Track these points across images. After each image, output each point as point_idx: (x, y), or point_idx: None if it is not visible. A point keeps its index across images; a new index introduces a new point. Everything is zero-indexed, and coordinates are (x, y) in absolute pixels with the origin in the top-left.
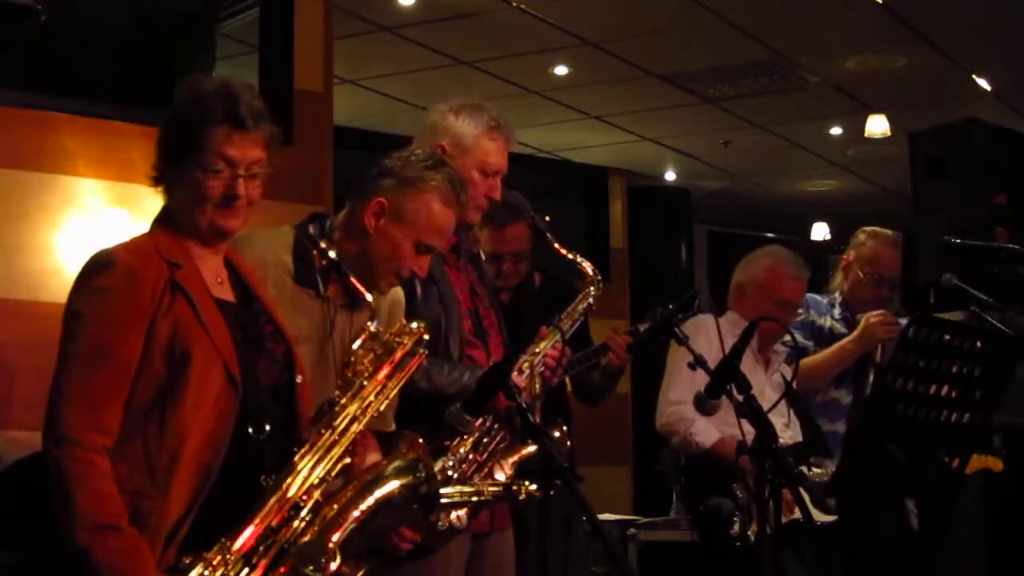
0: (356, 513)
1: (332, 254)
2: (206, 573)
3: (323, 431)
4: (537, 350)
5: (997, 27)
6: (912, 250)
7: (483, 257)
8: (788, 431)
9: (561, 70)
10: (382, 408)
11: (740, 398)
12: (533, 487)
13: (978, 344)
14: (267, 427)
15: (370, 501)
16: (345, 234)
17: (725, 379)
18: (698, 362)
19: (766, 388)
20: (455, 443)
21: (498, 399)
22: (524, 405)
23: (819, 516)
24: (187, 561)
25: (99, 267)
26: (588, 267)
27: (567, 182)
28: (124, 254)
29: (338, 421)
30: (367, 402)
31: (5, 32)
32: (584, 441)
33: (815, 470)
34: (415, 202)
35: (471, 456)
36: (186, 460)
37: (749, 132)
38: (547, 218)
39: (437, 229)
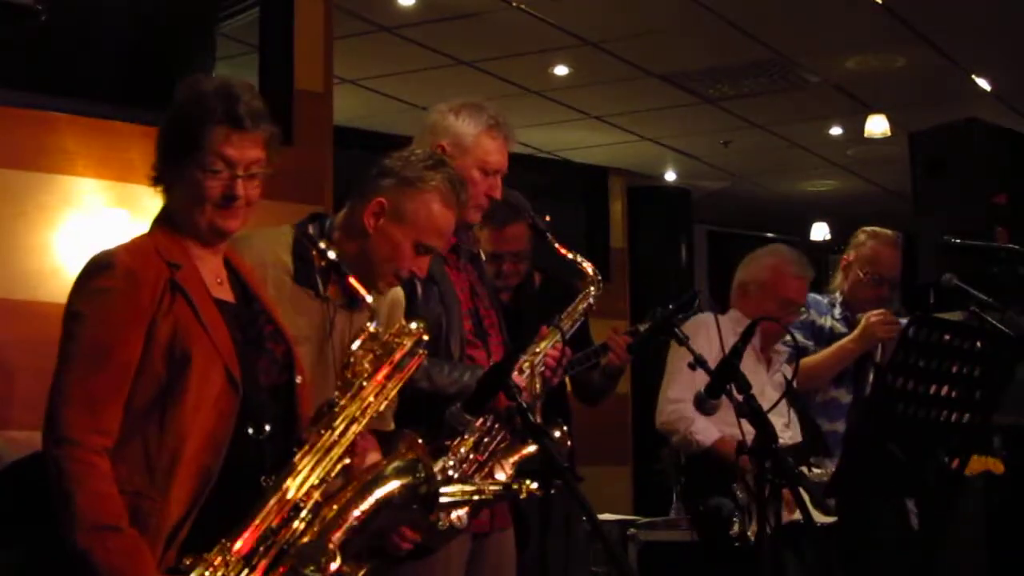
0: (356, 513)
1: (331, 254)
2: (206, 574)
3: (323, 432)
4: (537, 350)
5: (997, 27)
6: (912, 250)
7: (483, 257)
8: (788, 431)
9: (561, 70)
10: (381, 408)
11: (740, 398)
12: (534, 485)
13: (978, 344)
14: (267, 427)
15: (370, 501)
16: (345, 234)
17: (725, 379)
18: (698, 362)
19: (767, 388)
20: (456, 443)
21: (498, 399)
22: (524, 405)
23: (819, 517)
24: (187, 562)
25: (99, 268)
26: (588, 267)
27: (567, 182)
28: (124, 255)
29: (338, 422)
30: (366, 403)
31: (5, 32)
32: (584, 441)
33: (815, 470)
34: (415, 202)
35: (472, 456)
36: (186, 461)
37: (749, 132)
38: (547, 218)
39: (437, 229)
